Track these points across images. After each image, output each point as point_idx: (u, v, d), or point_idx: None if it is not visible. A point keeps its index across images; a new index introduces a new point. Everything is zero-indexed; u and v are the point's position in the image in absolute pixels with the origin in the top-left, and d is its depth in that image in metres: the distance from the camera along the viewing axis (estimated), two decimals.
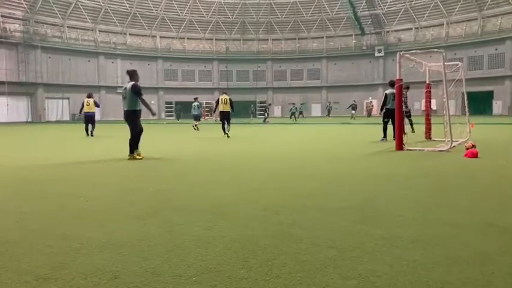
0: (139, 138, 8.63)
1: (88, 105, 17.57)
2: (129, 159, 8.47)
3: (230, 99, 15.48)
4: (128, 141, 8.69)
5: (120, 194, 5.04)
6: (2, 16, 42.47)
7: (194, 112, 22.77)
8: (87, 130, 17.43)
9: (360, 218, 3.72)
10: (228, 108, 15.50)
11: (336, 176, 6.35)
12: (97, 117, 19.59)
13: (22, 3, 43.65)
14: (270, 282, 2.39)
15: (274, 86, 57.56)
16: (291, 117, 39.43)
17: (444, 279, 2.37)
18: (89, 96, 17.96)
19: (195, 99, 23.40)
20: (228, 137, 15.23)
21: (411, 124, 15.05)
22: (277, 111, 55.53)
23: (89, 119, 17.54)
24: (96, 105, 17.88)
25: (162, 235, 3.28)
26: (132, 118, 8.60)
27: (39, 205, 4.46)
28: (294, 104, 44.28)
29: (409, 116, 14.95)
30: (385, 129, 12.60)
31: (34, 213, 4.12)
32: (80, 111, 18.13)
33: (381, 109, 12.85)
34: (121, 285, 2.36)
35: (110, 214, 4.02)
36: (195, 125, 21.63)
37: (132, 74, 8.80)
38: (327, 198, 4.64)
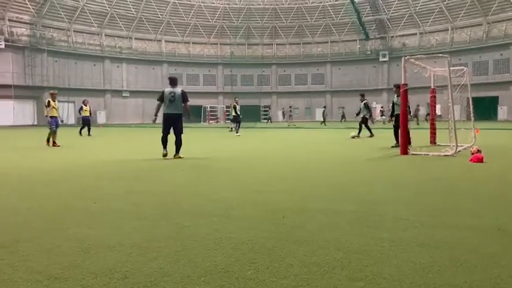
0: (181, 141, 9.49)
1: (86, 110, 20.68)
2: (175, 158, 9.23)
3: (234, 106, 20.17)
4: (162, 140, 9.39)
5: (127, 196, 5.08)
6: (9, 20, 42.86)
7: (231, 116, 25.89)
8: (81, 131, 20.33)
9: (366, 221, 3.74)
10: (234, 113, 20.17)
11: (341, 179, 6.37)
12: (102, 120, 21.94)
13: (29, 8, 44.04)
14: (277, 283, 2.41)
15: (278, 91, 57.64)
16: (322, 123, 36.34)
17: (451, 282, 2.38)
18: (85, 103, 20.87)
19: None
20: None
21: (367, 128, 16.74)
22: (281, 115, 55.50)
23: (87, 122, 20.70)
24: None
25: (170, 236, 3.32)
26: (180, 121, 9.51)
27: (48, 206, 4.50)
28: (325, 107, 41.43)
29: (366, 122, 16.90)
30: (396, 135, 12.16)
31: (43, 214, 4.16)
32: (79, 112, 21.65)
33: (391, 116, 13.10)
34: (130, 285, 2.39)
35: (118, 215, 4.06)
36: (231, 128, 24.49)
37: (175, 80, 9.77)
38: (332, 202, 4.65)
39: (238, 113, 21.57)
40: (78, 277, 2.50)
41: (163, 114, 9.41)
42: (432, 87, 13.01)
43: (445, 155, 9.38)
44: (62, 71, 46.20)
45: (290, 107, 43.01)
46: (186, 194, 5.19)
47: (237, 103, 21.65)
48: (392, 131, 12.37)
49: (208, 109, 51.31)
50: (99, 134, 22.40)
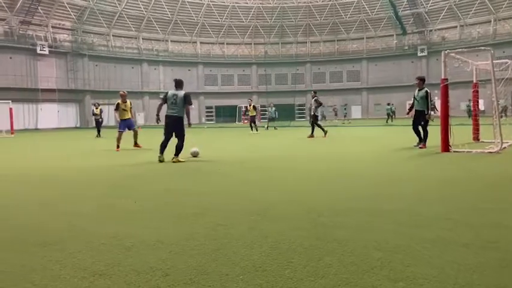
0: (183, 145, 9.00)
1: (97, 113, 21.52)
2: (173, 161, 8.75)
3: (254, 106, 22.60)
4: (161, 144, 9.07)
5: (165, 195, 5.19)
6: (53, 27, 44.77)
7: (270, 115, 27.84)
8: (99, 132, 21.09)
9: (406, 221, 3.65)
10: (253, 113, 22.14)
11: (380, 178, 6.23)
12: (141, 122, 22.67)
13: (71, 14, 45.82)
14: (316, 282, 2.39)
15: (313, 89, 57.09)
16: (387, 120, 33.95)
17: (497, 284, 2.29)
18: (97, 106, 21.82)
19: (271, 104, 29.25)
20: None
21: (318, 127, 16.23)
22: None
23: (99, 123, 21.66)
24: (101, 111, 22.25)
25: (208, 234, 3.37)
26: (181, 124, 9.06)
27: (90, 206, 4.67)
28: (389, 104, 36.84)
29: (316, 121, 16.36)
30: (417, 132, 11.20)
31: (86, 213, 4.32)
32: (93, 114, 22.41)
33: (409, 110, 11.77)
34: (171, 282, 2.44)
35: (157, 214, 4.16)
36: (267, 126, 26.15)
37: (181, 83, 9.34)
38: (371, 201, 4.57)
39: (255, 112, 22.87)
40: (121, 274, 2.58)
41: (165, 115, 9.06)
42: (474, 81, 12.52)
43: (490, 152, 9.00)
44: (102, 75, 47.81)
45: (334, 105, 43.10)
46: (222, 193, 5.25)
47: (250, 104, 22.88)
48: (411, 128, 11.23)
49: (243, 109, 51.60)
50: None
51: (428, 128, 10.91)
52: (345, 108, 42.59)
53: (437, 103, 12.13)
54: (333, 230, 3.43)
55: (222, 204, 4.56)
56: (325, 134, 16.01)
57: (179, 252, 2.95)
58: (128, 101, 12.93)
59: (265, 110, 51.96)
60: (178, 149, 8.89)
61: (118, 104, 12.73)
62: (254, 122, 22.50)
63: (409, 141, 11.39)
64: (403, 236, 3.21)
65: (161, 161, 8.78)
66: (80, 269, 2.70)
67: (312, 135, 16.08)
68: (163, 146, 9.02)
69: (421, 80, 11.36)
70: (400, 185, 5.58)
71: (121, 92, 13.19)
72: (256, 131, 22.01)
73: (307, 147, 12.36)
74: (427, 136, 10.82)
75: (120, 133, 12.48)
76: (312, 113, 16.47)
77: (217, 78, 56.63)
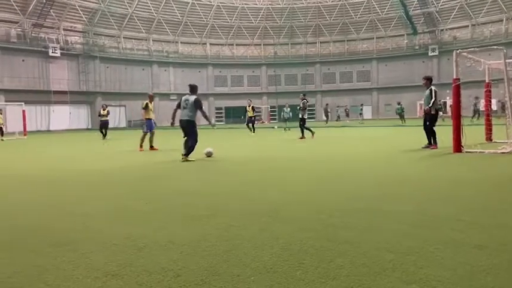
0: (194, 146, 9.38)
1: (104, 114, 21.21)
2: (182, 160, 9.04)
3: (252, 107, 22.26)
4: (183, 144, 9.44)
5: (176, 197, 5.22)
6: (64, 29, 45.27)
7: (285, 115, 27.53)
8: (102, 133, 20.97)
9: (418, 222, 3.62)
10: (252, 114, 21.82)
11: (390, 179, 6.19)
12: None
13: (82, 17, 46.28)
14: (327, 284, 2.39)
15: (322, 89, 56.98)
16: (401, 120, 32.98)
17: None
18: (104, 107, 21.50)
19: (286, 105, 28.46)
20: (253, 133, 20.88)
21: (306, 129, 16.48)
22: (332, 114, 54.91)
23: (105, 125, 21.35)
24: (108, 113, 21.84)
25: (219, 236, 3.38)
26: (191, 127, 9.46)
27: (103, 207, 4.72)
28: (399, 103, 34.71)
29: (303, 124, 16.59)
30: (427, 134, 10.91)
31: (99, 214, 4.36)
32: (99, 115, 22.03)
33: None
34: (183, 283, 2.45)
35: (169, 215, 4.18)
36: (286, 127, 26.06)
37: (195, 89, 9.85)
38: (381, 202, 4.54)
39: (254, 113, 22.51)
40: (133, 274, 2.61)
41: (179, 120, 9.56)
42: (487, 81, 12.37)
43: (502, 153, 8.89)
44: (113, 76, 48.21)
45: (346, 106, 42.85)
46: (233, 194, 5.26)
47: (249, 105, 22.31)
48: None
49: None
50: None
51: (435, 128, 10.76)
52: (361, 109, 42.12)
53: (449, 103, 12.00)
54: (344, 231, 3.42)
55: (232, 205, 4.57)
56: (313, 134, 16.45)
57: (191, 253, 2.97)
58: (152, 103, 13.58)
59: (274, 111, 52.41)
60: (189, 149, 9.24)
61: (147, 104, 13.23)
62: (252, 123, 22.15)
63: (420, 142, 11.29)
64: (414, 237, 3.19)
65: (184, 160, 9.20)
66: (93, 269, 2.72)
67: (302, 137, 16.41)
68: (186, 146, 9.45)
69: (428, 79, 11.19)
70: (411, 185, 5.54)
71: (150, 93, 14.15)
72: (253, 132, 21.52)
73: (316, 148, 12.32)
74: (435, 136, 10.65)
75: (145, 133, 12.99)
76: (300, 116, 16.75)
77: (227, 79, 56.74)
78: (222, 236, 3.38)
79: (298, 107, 16.98)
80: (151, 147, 12.81)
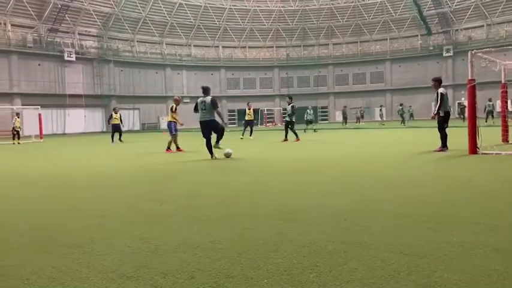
0: (223, 133, 10.44)
1: (116, 118, 21.15)
2: (214, 147, 10.20)
3: (253, 110, 21.50)
4: (206, 146, 10.35)
5: (190, 199, 5.24)
6: (79, 34, 45.94)
7: (308, 117, 27.11)
8: (112, 137, 20.79)
9: (433, 225, 3.58)
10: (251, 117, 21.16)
11: (405, 180, 6.13)
12: (165, 126, 22.25)
13: (96, 21, 46.91)
14: (341, 287, 2.38)
15: (335, 91, 56.74)
16: (402, 122, 32.77)
17: None
18: (116, 111, 21.45)
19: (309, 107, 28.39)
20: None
21: (293, 132, 16.51)
22: (338, 115, 54.63)
23: (117, 129, 21.27)
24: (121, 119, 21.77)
25: (232, 238, 3.39)
26: (214, 124, 10.29)
27: (119, 208, 4.77)
28: (401, 105, 34.08)
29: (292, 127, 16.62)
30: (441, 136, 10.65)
31: (115, 215, 4.41)
32: (108, 122, 22.09)
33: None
34: (197, 285, 2.47)
35: (182, 217, 4.21)
36: (306, 129, 25.66)
37: (208, 90, 10.52)
38: (395, 204, 4.50)
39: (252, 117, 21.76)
40: (148, 277, 2.63)
41: (199, 122, 10.29)
42: (503, 81, 12.18)
43: None
44: (127, 80, 48.72)
45: (361, 107, 42.48)
46: (247, 197, 5.27)
47: (249, 108, 21.36)
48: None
49: (265, 112, 51.68)
50: (164, 138, 23.29)
51: (447, 130, 10.52)
52: (381, 110, 41.29)
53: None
54: (358, 233, 3.40)
55: (246, 208, 4.58)
56: (297, 137, 16.50)
57: (204, 255, 2.98)
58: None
59: (285, 114, 52.32)
60: (219, 138, 10.27)
61: (175, 107, 13.76)
62: (251, 126, 21.28)
63: (435, 144, 11.15)
64: (429, 240, 3.15)
65: (215, 158, 10.13)
66: (108, 271, 2.75)
67: (297, 139, 16.44)
68: (209, 148, 10.28)
69: (436, 80, 10.66)
70: (425, 187, 5.48)
71: (176, 97, 14.49)
72: (250, 136, 20.77)
73: (327, 150, 12.26)
74: (445, 138, 10.36)
75: (174, 135, 13.49)
76: (289, 119, 16.81)
77: (240, 82, 56.88)
78: (235, 238, 3.39)
79: (287, 114, 16.98)
80: (178, 149, 13.32)
